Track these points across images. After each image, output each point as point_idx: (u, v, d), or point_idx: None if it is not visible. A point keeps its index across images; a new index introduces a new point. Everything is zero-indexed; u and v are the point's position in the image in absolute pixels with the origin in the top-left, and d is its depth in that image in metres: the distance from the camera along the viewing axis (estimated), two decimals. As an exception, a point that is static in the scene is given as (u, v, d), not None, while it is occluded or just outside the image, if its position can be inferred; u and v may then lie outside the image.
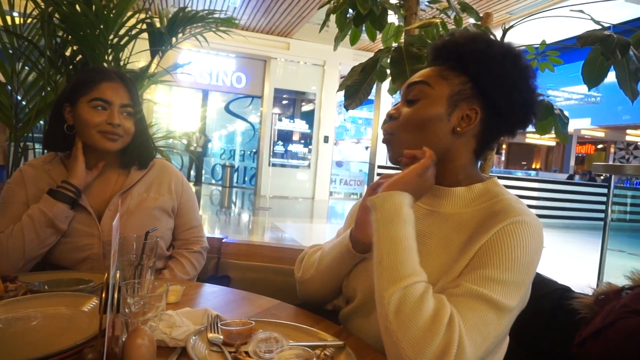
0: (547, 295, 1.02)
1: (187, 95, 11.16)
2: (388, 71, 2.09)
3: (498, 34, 1.82)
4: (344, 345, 0.77)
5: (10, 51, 2.08)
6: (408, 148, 0.88)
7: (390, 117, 0.93)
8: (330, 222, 7.86)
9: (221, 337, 0.78)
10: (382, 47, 2.07)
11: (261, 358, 0.71)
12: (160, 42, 2.23)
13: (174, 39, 2.32)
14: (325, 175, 10.80)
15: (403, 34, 2.32)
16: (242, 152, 12.86)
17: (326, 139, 10.62)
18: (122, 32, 2.14)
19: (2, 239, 1.12)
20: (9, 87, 2.10)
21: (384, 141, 0.94)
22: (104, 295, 0.62)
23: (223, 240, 1.54)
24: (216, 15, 2.41)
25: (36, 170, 1.23)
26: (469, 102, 0.88)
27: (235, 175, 12.32)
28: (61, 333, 0.75)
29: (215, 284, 1.21)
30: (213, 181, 12.62)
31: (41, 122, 2.23)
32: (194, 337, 0.76)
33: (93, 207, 1.21)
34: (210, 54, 9.85)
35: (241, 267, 1.48)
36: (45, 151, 1.50)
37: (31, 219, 1.12)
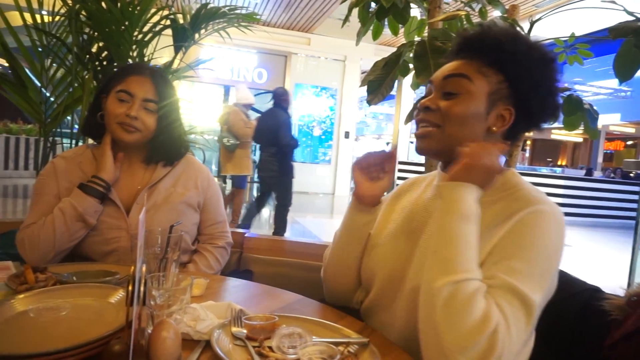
0: (576, 296, 0.99)
1: (209, 91, 11.26)
2: (411, 66, 2.07)
3: (524, 26, 1.78)
4: (368, 342, 0.76)
5: (40, 49, 2.13)
6: (450, 143, 0.87)
7: (425, 108, 0.90)
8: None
9: (245, 331, 0.78)
10: (405, 42, 2.05)
11: (285, 353, 0.71)
12: (183, 38, 2.25)
13: (196, 35, 2.34)
14: (346, 170, 10.77)
15: (426, 28, 2.28)
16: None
17: (347, 135, 10.59)
18: (146, 28, 2.17)
19: (34, 230, 1.15)
20: (39, 84, 2.15)
21: (418, 133, 0.92)
22: (130, 287, 0.63)
23: (245, 235, 1.55)
24: (238, 11, 2.42)
25: (68, 163, 1.26)
26: (505, 102, 0.87)
27: (256, 170, 12.40)
28: (89, 324, 0.76)
29: (238, 278, 1.22)
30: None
31: (68, 117, 2.28)
32: (217, 331, 0.76)
33: (121, 201, 1.23)
34: (232, 50, 9.90)
35: (263, 261, 1.49)
36: (75, 144, 1.54)
37: (62, 212, 1.15)
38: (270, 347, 0.73)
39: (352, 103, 10.83)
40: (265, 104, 13.47)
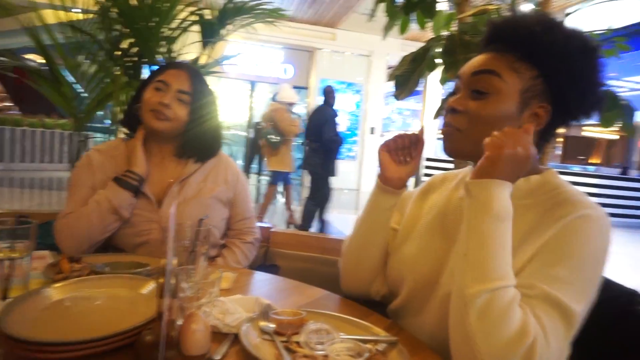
0: (613, 300, 0.95)
1: (235, 87, 11.36)
2: (438, 60, 2.03)
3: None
4: (397, 342, 0.76)
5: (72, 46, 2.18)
6: (477, 146, 0.80)
7: (453, 110, 0.85)
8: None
9: (272, 325, 0.78)
10: (432, 37, 2.01)
11: (312, 349, 0.71)
12: (211, 33, 2.27)
13: (223, 31, 2.36)
14: (371, 167, 10.72)
15: (455, 22, 2.24)
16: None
17: (372, 131, 10.52)
18: (174, 24, 2.20)
19: (71, 220, 1.18)
20: (72, 80, 2.21)
21: (444, 133, 0.88)
22: (161, 280, 0.64)
23: (271, 230, 1.56)
24: (265, 7, 2.42)
25: (103, 156, 1.29)
26: (539, 99, 0.81)
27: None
28: (121, 314, 0.78)
29: (264, 272, 1.23)
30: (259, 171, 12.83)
31: (100, 112, 2.34)
32: (246, 325, 0.77)
33: (153, 194, 1.26)
34: (257, 46, 9.96)
35: (289, 256, 1.49)
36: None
37: (97, 204, 1.18)
38: (298, 343, 0.73)
39: (378, 99, 10.75)
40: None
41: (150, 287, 0.84)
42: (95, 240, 1.19)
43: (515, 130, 0.75)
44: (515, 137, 0.73)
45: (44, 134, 9.79)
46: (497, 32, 0.86)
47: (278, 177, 5.57)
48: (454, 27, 2.13)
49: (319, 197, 5.08)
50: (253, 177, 10.49)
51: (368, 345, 0.74)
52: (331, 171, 5.05)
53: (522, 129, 0.76)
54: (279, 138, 5.31)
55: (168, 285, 0.62)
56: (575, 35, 0.81)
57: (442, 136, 0.90)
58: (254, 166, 10.51)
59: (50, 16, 2.19)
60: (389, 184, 0.97)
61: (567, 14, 1.74)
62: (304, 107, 11.68)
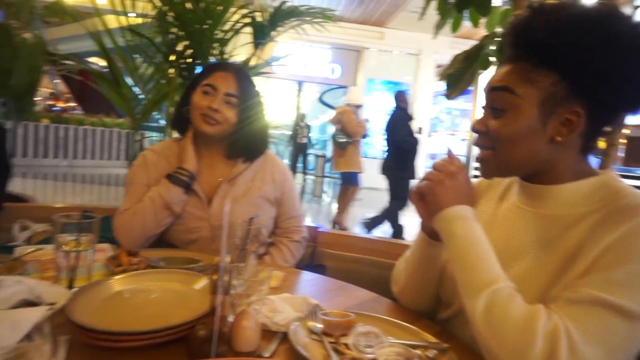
0: None
1: (283, 87, 11.51)
2: (492, 59, 1.96)
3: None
4: (448, 349, 0.74)
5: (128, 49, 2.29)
6: (509, 164, 0.80)
7: (475, 131, 0.83)
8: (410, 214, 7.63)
9: (321, 326, 0.79)
10: (484, 34, 1.95)
11: (361, 352, 0.70)
12: (262, 35, 2.31)
13: (274, 32, 2.40)
14: (419, 166, 10.55)
15: (511, 18, 2.15)
16: (335, 142, 12.98)
17: (420, 131, 10.32)
18: (226, 27, 2.25)
19: (127, 216, 1.24)
20: (131, 81, 2.32)
21: (478, 160, 0.85)
22: (215, 276, 0.66)
23: (318, 229, 1.56)
24: (314, 9, 2.44)
25: (157, 155, 1.35)
26: (567, 104, 0.74)
27: (327, 165, 12.51)
28: (175, 307, 0.81)
29: (311, 271, 1.24)
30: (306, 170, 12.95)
31: (154, 113, 2.44)
32: (295, 324, 0.78)
33: (203, 193, 1.30)
34: (305, 46, 10.05)
35: (336, 256, 1.49)
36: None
37: (151, 200, 1.23)
38: (346, 345, 0.73)
39: (426, 98, 10.56)
40: (337, 99, 13.54)
41: (202, 283, 0.87)
42: (150, 235, 1.24)
43: (437, 164, 0.84)
44: (434, 172, 0.83)
45: (103, 133, 10.36)
46: (509, 39, 0.80)
47: (351, 178, 5.64)
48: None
49: (397, 200, 5.09)
50: (299, 176, 10.61)
51: (417, 351, 0.72)
52: (409, 173, 5.05)
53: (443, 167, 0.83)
54: (346, 139, 5.45)
55: (222, 282, 0.63)
56: (592, 26, 0.71)
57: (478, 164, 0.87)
58: (299, 165, 10.63)
59: (112, 21, 2.31)
60: (435, 237, 0.90)
61: (636, 7, 1.62)
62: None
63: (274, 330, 0.78)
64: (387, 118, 5.27)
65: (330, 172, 12.05)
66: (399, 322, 0.84)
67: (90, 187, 7.93)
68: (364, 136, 5.74)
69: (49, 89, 11.36)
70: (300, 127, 11.29)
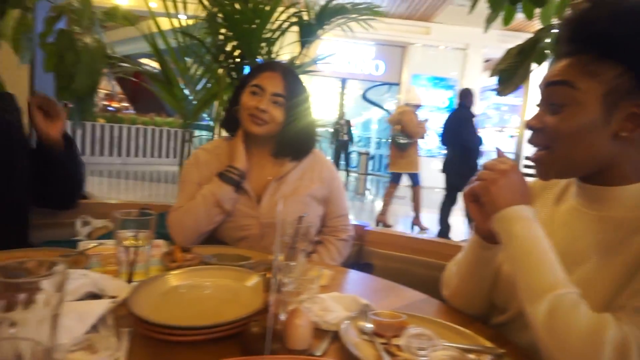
0: None
1: (326, 84, 11.53)
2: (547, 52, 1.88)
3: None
4: (504, 355, 0.71)
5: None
6: (568, 164, 0.76)
7: (531, 128, 0.79)
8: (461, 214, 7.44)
9: (372, 326, 0.78)
10: (538, 26, 1.86)
11: (414, 354, 0.69)
12: (309, 34, 2.32)
13: (320, 31, 2.41)
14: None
15: (568, 9, 2.05)
16: (379, 139, 12.87)
17: (466, 127, 10.05)
18: (274, 26, 2.28)
19: (180, 213, 1.29)
20: (182, 82, 2.39)
21: (533, 159, 0.82)
22: (268, 274, 0.67)
23: (365, 228, 1.55)
24: (361, 6, 2.42)
25: (208, 154, 1.39)
26: (632, 97, 0.70)
27: (370, 163, 12.44)
28: (227, 304, 0.83)
29: (358, 270, 1.23)
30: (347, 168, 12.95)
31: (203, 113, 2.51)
32: (346, 323, 0.77)
33: (253, 191, 1.32)
34: (349, 43, 10.01)
35: (383, 256, 1.48)
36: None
37: (203, 198, 1.27)
38: (398, 346, 0.72)
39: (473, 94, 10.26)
40: (380, 96, 13.40)
41: (254, 280, 0.88)
42: (202, 232, 1.28)
43: (488, 164, 0.82)
44: (486, 172, 0.81)
45: (154, 131, 10.79)
46: (567, 33, 0.76)
47: (413, 179, 5.62)
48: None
49: (452, 199, 5.05)
50: (341, 174, 10.59)
51: (472, 356, 0.71)
52: (473, 172, 4.97)
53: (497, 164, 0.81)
54: (407, 140, 5.42)
55: (276, 280, 0.64)
56: None
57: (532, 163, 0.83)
58: (342, 162, 10.62)
59: (164, 24, 2.39)
60: (489, 239, 0.87)
61: None
62: (394, 104, 11.53)
63: (325, 329, 0.78)
64: (443, 115, 5.20)
65: (384, 170, 11.96)
66: (451, 325, 0.82)
67: (141, 184, 8.29)
68: (424, 137, 5.69)
69: (105, 90, 11.95)
70: (340, 125, 11.28)
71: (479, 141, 4.90)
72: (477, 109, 10.31)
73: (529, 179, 0.97)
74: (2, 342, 0.50)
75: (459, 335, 0.79)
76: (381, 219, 5.74)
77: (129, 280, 0.90)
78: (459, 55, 10.33)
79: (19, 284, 0.57)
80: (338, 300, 0.87)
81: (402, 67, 10.58)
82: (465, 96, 5.02)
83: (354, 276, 1.17)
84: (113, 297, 0.82)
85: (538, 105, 0.81)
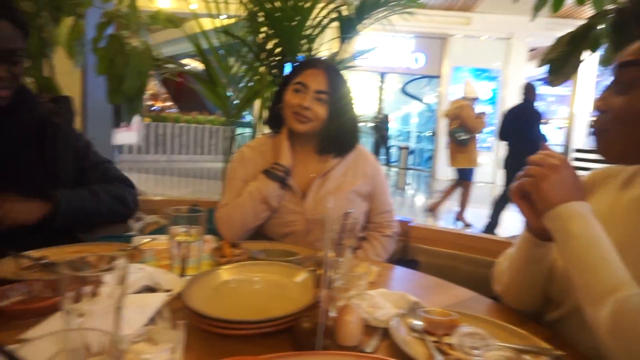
0: None
1: (365, 78, 11.45)
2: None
3: None
4: (563, 357, 0.68)
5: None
6: (621, 148, 0.74)
7: (597, 109, 0.78)
8: (513, 210, 7.21)
9: (422, 324, 0.77)
10: (590, 12, 1.77)
11: (467, 354, 0.68)
12: (349, 29, 2.31)
13: (359, 25, 2.39)
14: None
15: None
16: (419, 133, 12.67)
17: (510, 120, 9.70)
18: (314, 23, 2.28)
19: (227, 210, 1.31)
20: (225, 80, 2.44)
21: (597, 143, 0.80)
22: (319, 271, 0.67)
23: (409, 224, 1.53)
24: (401, -1, 2.38)
25: (253, 151, 1.41)
26: None
27: (410, 157, 12.27)
28: (277, 299, 0.84)
29: (403, 267, 1.22)
30: (387, 162, 12.83)
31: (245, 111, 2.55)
32: (395, 320, 0.77)
33: (298, 187, 1.33)
34: (388, 36, 9.89)
35: (428, 252, 1.46)
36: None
37: (250, 195, 1.29)
38: (449, 345, 0.71)
39: (517, 85, 9.88)
40: (420, 89, 13.16)
41: (302, 275, 0.89)
42: (249, 228, 1.31)
43: (535, 159, 0.78)
44: (534, 167, 0.77)
45: (196, 129, 11.09)
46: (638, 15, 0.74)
47: (465, 174, 5.55)
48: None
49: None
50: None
51: (528, 357, 0.68)
52: None
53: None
54: (466, 135, 5.34)
55: (327, 277, 0.65)
56: None
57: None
58: (382, 157, 10.53)
59: (206, 24, 2.45)
60: (541, 236, 0.84)
61: None
62: (434, 97, 11.30)
63: (374, 326, 0.78)
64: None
65: (424, 164, 11.75)
66: (505, 324, 0.79)
67: (185, 181, 8.53)
68: (482, 131, 5.58)
69: (150, 90, 12.38)
70: (379, 119, 11.18)
71: (544, 139, 4.79)
72: (511, 99, 9.98)
73: (581, 173, 0.92)
74: (72, 332, 0.53)
75: (513, 335, 0.76)
76: (460, 218, 5.65)
77: (182, 275, 0.93)
78: (502, 45, 9.99)
79: (86, 277, 0.61)
80: (386, 297, 0.86)
81: (443, 59, 10.34)
82: (530, 91, 4.88)
83: (400, 273, 1.16)
84: (167, 290, 0.85)
85: (607, 87, 0.79)
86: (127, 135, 6.32)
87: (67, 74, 2.53)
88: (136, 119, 6.14)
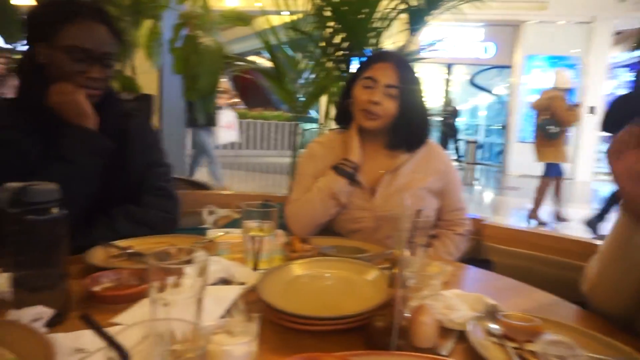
0: None
1: (431, 70, 11.13)
2: None
3: None
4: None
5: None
6: None
7: None
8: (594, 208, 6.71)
9: (499, 328, 0.74)
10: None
11: (553, 363, 0.63)
12: (418, 20, 2.25)
13: (428, 16, 2.31)
14: (589, 152, 9.26)
15: None
16: (488, 127, 12.14)
17: (592, 110, 8.97)
18: (381, 15, 2.24)
19: (297, 205, 1.33)
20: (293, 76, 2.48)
21: None
22: (395, 269, 0.66)
23: (482, 222, 1.47)
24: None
25: (323, 147, 1.41)
26: None
27: (478, 152, 11.78)
28: (348, 296, 0.84)
29: (475, 267, 1.17)
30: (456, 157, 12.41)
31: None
32: (472, 323, 0.74)
33: (366, 184, 1.32)
34: (455, 26, 9.52)
35: (503, 252, 1.39)
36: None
37: (319, 190, 1.30)
38: (532, 352, 0.67)
39: (599, 72, 9.15)
40: (489, 80, 12.58)
41: (374, 273, 0.88)
42: (318, 223, 1.31)
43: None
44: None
45: (263, 125, 11.39)
46: None
47: (553, 170, 5.27)
48: None
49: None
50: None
51: (622, 370, 0.63)
52: None
53: None
54: (557, 128, 5.05)
55: (402, 276, 0.63)
56: None
57: None
58: (451, 151, 10.21)
59: (274, 20, 2.49)
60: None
61: None
62: (505, 87, 10.76)
63: (449, 328, 0.76)
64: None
65: (494, 159, 11.25)
66: (594, 333, 0.74)
67: (252, 175, 8.80)
68: (575, 124, 5.27)
69: (222, 88, 12.85)
70: (448, 112, 10.82)
71: None
72: (604, 88, 9.23)
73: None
74: (159, 322, 0.56)
75: (604, 346, 0.71)
76: (533, 216, 5.38)
77: (255, 268, 0.95)
78: (582, 29, 9.27)
79: (170, 267, 0.64)
80: (462, 298, 0.83)
81: (515, 48, 9.80)
82: None
83: (474, 273, 1.12)
84: (242, 283, 0.88)
85: None
86: (229, 134, 6.57)
87: (145, 74, 2.69)
88: (234, 118, 6.44)
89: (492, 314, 0.77)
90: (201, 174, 5.66)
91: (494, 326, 0.75)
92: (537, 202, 5.32)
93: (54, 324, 0.69)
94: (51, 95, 1.11)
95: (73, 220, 0.75)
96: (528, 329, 0.71)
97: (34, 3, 1.59)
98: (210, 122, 5.48)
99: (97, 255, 1.00)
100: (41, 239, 0.72)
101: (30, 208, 0.71)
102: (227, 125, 6.41)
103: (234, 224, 1.39)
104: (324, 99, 2.48)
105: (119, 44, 1.19)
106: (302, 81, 2.50)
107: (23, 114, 1.13)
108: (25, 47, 1.17)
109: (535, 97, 5.60)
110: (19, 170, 0.89)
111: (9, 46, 2.05)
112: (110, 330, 0.48)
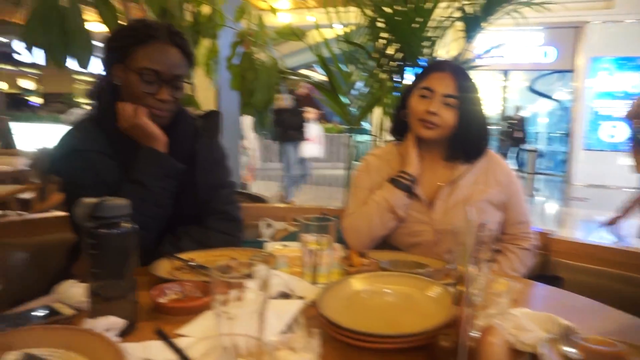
0: None
1: (487, 78, 10.78)
2: None
3: None
4: None
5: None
6: None
7: None
8: None
9: (576, 352, 0.68)
10: None
11: (641, 393, 0.58)
12: (474, 27, 2.19)
13: (484, 23, 2.25)
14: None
15: None
16: (549, 134, 11.56)
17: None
18: (435, 24, 2.21)
19: (354, 219, 1.32)
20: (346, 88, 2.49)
21: None
22: (460, 287, 0.64)
23: (549, 236, 1.39)
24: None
25: (379, 160, 1.40)
26: None
27: (539, 161, 11.23)
28: (409, 313, 0.81)
29: (544, 284, 1.10)
30: (515, 167, 11.90)
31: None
32: (545, 346, 0.69)
33: (425, 196, 1.29)
34: (513, 31, 9.19)
35: (574, 268, 1.30)
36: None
37: (376, 204, 1.28)
38: (616, 380, 0.62)
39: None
40: (549, 86, 12.02)
41: (436, 290, 0.85)
42: (375, 237, 1.30)
43: None
44: None
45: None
46: None
47: None
48: None
49: None
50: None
51: None
52: None
53: None
54: None
55: (469, 294, 0.60)
56: None
57: None
58: (511, 162, 9.79)
59: (326, 33, 2.52)
60: None
61: None
62: (567, 93, 10.23)
63: (519, 350, 0.71)
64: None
65: (557, 169, 10.69)
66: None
67: (304, 187, 8.88)
68: None
69: (278, 102, 13.16)
70: (515, 121, 10.40)
71: None
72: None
73: None
74: (226, 336, 0.57)
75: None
76: (613, 222, 5.04)
77: (314, 282, 0.95)
78: (653, 28, 8.66)
79: (232, 281, 0.65)
80: (532, 318, 0.78)
81: (577, 51, 9.30)
82: None
83: (543, 290, 1.05)
84: (301, 297, 0.88)
85: None
86: (314, 148, 6.68)
87: (204, 91, 2.80)
88: (320, 132, 6.55)
89: (566, 336, 0.72)
90: (267, 186, 5.72)
91: (570, 349, 0.69)
92: (626, 211, 4.94)
93: (124, 333, 0.73)
94: (119, 118, 1.14)
95: (145, 242, 0.77)
96: (610, 355, 0.65)
97: (106, 29, 1.70)
98: (299, 136, 5.57)
99: (162, 267, 1.04)
100: (112, 252, 0.76)
101: (103, 222, 0.75)
102: (313, 140, 6.49)
103: (290, 237, 1.41)
104: (377, 111, 2.47)
105: (190, 66, 1.21)
106: (355, 92, 2.51)
107: (102, 135, 1.16)
108: (102, 71, 1.21)
109: (627, 104, 5.21)
110: (100, 190, 0.90)
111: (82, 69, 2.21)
112: (180, 344, 0.49)
